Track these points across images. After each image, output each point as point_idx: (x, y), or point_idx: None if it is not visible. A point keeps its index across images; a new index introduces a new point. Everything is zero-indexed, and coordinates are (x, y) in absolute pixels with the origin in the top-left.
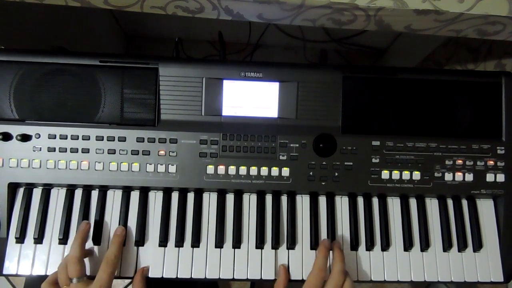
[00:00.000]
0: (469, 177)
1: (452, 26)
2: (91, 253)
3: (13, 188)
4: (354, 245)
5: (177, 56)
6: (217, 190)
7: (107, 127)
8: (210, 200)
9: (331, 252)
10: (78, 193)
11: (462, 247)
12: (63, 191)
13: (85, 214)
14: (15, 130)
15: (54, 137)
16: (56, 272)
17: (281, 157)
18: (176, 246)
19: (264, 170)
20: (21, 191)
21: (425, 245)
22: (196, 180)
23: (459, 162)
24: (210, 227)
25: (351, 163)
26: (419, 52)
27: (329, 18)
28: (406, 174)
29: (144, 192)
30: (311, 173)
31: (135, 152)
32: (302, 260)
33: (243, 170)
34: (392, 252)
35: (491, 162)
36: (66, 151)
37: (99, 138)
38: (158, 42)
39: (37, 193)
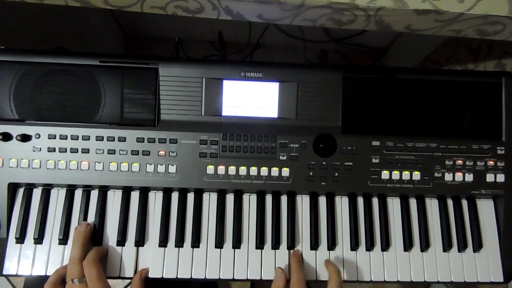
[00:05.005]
0: (469, 177)
1: (452, 26)
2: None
3: (13, 188)
4: (354, 245)
5: (177, 56)
6: (217, 190)
7: (107, 127)
8: (210, 200)
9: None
10: (78, 193)
11: (462, 247)
12: (63, 191)
13: (85, 215)
14: (15, 130)
15: (54, 137)
16: (55, 273)
17: (281, 157)
18: (176, 246)
19: (264, 170)
20: (21, 191)
21: (425, 245)
22: (196, 180)
23: (459, 162)
24: (210, 227)
25: (351, 163)
26: (419, 52)
27: (329, 18)
28: (406, 174)
29: (144, 192)
30: (311, 173)
31: (135, 152)
32: (302, 260)
33: (243, 170)
34: (392, 252)
35: (491, 162)
36: (66, 151)
37: (99, 138)
38: (158, 42)
39: (37, 193)
